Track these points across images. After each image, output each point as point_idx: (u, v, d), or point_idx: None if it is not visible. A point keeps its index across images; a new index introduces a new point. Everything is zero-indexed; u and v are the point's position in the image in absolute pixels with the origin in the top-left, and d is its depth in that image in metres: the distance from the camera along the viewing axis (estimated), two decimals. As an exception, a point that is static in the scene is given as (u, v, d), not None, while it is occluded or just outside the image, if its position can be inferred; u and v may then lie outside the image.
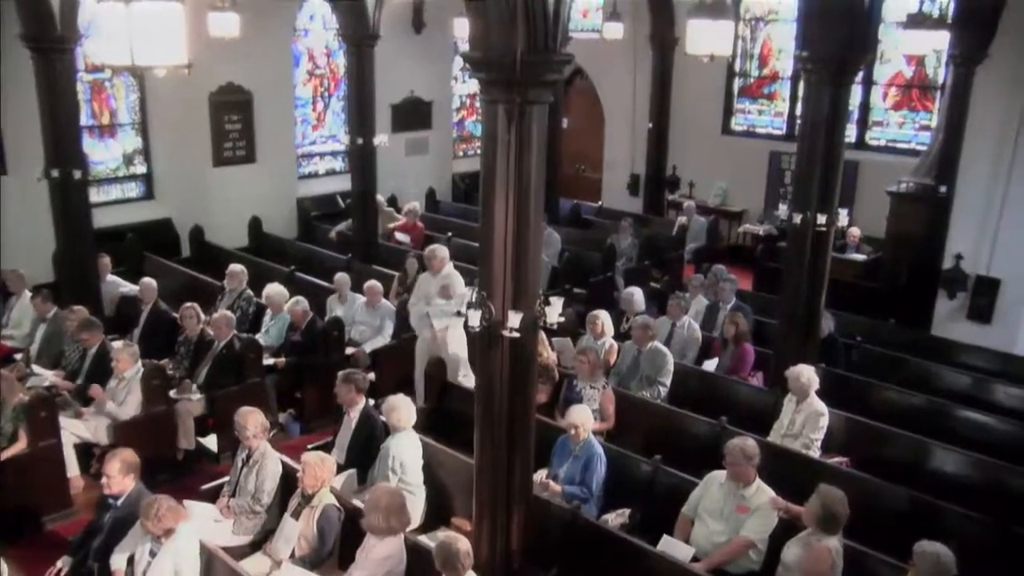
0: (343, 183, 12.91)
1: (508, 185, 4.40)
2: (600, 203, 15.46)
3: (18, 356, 8.21)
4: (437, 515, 6.11)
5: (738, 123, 15.13)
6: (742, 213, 14.83)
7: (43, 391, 6.80)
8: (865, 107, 13.50)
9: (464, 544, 4.44)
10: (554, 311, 4.75)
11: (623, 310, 9.02)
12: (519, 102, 4.27)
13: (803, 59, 6.80)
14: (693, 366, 8.28)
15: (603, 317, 8.08)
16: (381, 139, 11.11)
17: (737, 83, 15.06)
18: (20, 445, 6.34)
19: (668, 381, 7.64)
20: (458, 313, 7.41)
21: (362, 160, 11.08)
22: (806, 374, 6.54)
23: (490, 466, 4.88)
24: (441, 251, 8.19)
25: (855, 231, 11.80)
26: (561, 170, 15.15)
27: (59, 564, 5.32)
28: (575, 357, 7.33)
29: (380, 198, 12.26)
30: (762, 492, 5.32)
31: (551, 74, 4.34)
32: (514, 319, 4.48)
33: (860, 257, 11.62)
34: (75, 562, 5.31)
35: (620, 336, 8.36)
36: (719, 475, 5.47)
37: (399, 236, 12.35)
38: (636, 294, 9.06)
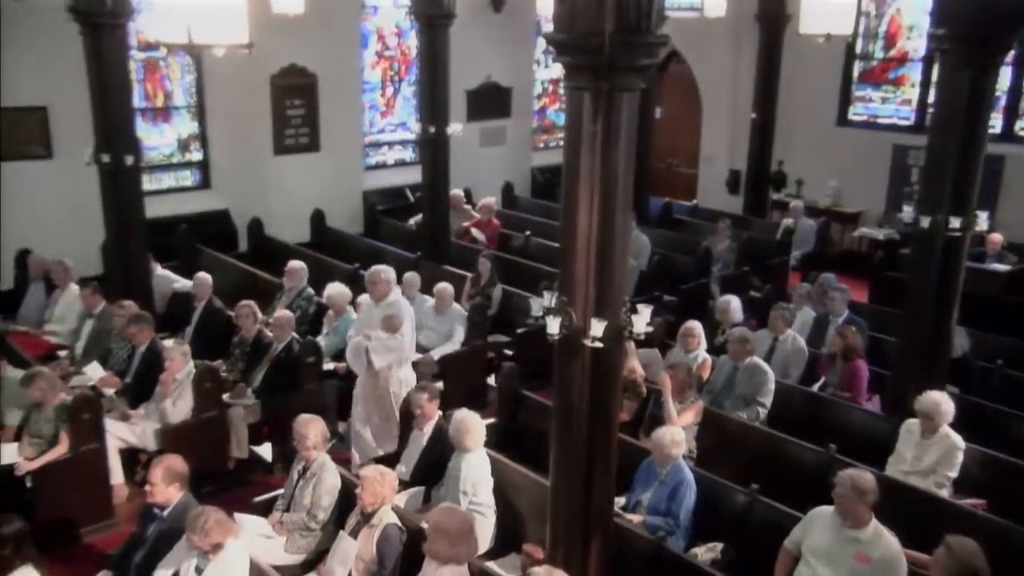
0: (413, 175, 13.11)
1: (593, 180, 4.38)
2: (695, 202, 15.29)
3: (62, 353, 8.57)
4: (507, 539, 6.12)
5: (857, 113, 14.73)
6: (858, 215, 14.42)
7: (87, 391, 7.04)
8: (1016, 92, 12.98)
9: None
10: (641, 320, 4.71)
11: (718, 321, 8.89)
12: (607, 89, 4.24)
13: (938, 37, 6.56)
14: (797, 385, 8.08)
15: (699, 329, 7.99)
16: (455, 128, 11.21)
17: (857, 67, 14.67)
18: (60, 449, 6.55)
19: (768, 401, 7.49)
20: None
21: (434, 150, 11.19)
22: (944, 403, 6.26)
23: (566, 489, 4.86)
24: (385, 274, 7.59)
25: (996, 237, 11.30)
26: (652, 165, 15.04)
27: None
28: (663, 371, 7.24)
29: (455, 192, 12.38)
30: (884, 539, 5.00)
31: (644, 58, 4.30)
32: (597, 327, 4.45)
33: (1002, 268, 11.11)
34: (119, 577, 5.48)
35: (714, 350, 8.25)
36: (825, 511, 5.29)
37: (474, 233, 12.44)
38: (733, 303, 8.92)
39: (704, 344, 8.05)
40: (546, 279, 9.08)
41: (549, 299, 4.67)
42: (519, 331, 9.22)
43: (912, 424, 6.47)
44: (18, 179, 10.41)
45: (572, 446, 4.78)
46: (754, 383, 7.52)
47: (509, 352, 9.40)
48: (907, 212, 7.22)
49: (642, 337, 4.85)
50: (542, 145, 16.89)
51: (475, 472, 6.01)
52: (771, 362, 8.12)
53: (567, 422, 4.77)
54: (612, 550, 5.06)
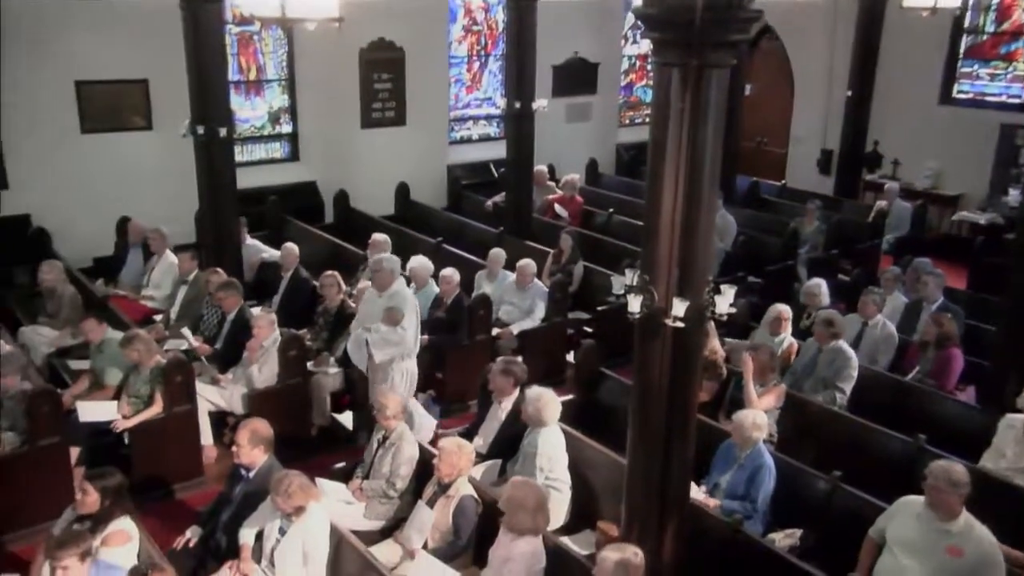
0: (497, 150, 13.13)
1: (679, 159, 4.31)
2: (783, 182, 14.93)
3: (157, 317, 8.96)
4: (581, 516, 6.15)
5: (962, 90, 14.15)
6: (958, 198, 13.88)
7: (181, 355, 7.32)
8: None
9: (642, 558, 4.40)
10: (724, 300, 4.64)
11: (804, 304, 8.70)
12: (696, 65, 4.17)
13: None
14: (885, 372, 7.86)
15: (788, 312, 7.88)
16: (540, 103, 11.19)
17: (965, 41, 14.07)
18: (155, 409, 6.85)
19: (847, 387, 7.33)
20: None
21: (519, 126, 11.20)
22: None
23: (643, 469, 4.85)
24: (388, 263, 7.30)
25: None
26: (740, 143, 14.74)
27: (188, 534, 5.71)
28: (745, 353, 7.14)
29: (539, 168, 12.37)
30: (977, 532, 4.84)
31: (735, 34, 4.20)
32: (679, 307, 4.41)
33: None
34: (204, 533, 5.70)
35: (799, 333, 8.10)
36: (914, 501, 5.14)
37: (557, 209, 12.43)
38: (821, 287, 8.72)
39: (790, 328, 7.91)
40: (628, 257, 9.07)
41: (631, 277, 4.64)
42: (599, 309, 9.19)
43: (1015, 420, 6.21)
44: (120, 149, 10.86)
45: (650, 426, 4.75)
46: (835, 367, 7.35)
47: (589, 329, 9.39)
48: (1013, 196, 6.93)
49: (724, 318, 4.79)
50: (628, 122, 16.72)
51: (551, 448, 6.05)
52: (859, 347, 7.92)
53: (646, 401, 4.75)
54: (687, 531, 5.03)
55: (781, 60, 15.91)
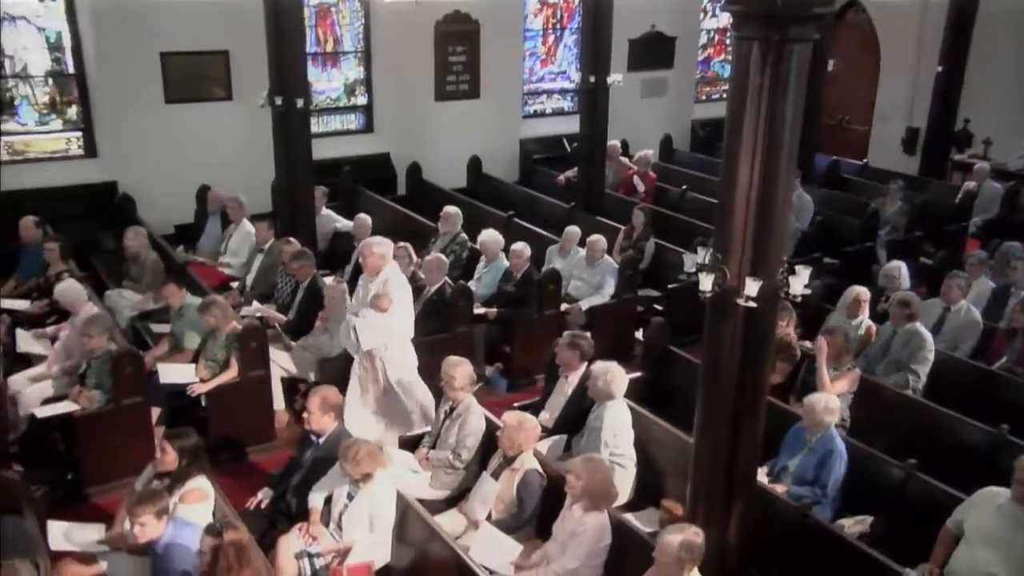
0: (571, 125, 13.07)
1: (757, 136, 4.23)
2: (865, 161, 14.52)
3: (234, 284, 9.20)
4: (646, 493, 6.15)
5: (1064, 68, 13.48)
6: (1053, 181, 13.29)
7: (256, 321, 7.52)
8: None
9: (703, 537, 4.39)
10: (799, 281, 4.55)
11: (883, 287, 8.47)
12: (777, 40, 4.06)
13: None
14: (967, 359, 7.62)
15: (866, 295, 7.72)
16: (615, 78, 11.08)
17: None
18: (231, 373, 7.06)
19: (922, 371, 7.14)
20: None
21: (593, 100, 11.12)
22: None
23: (710, 449, 4.81)
24: (379, 246, 6.82)
25: None
26: (821, 121, 14.36)
27: (260, 495, 5.90)
28: (820, 336, 7.00)
29: (612, 143, 12.27)
30: None
31: (819, 7, 4.08)
32: (752, 287, 4.34)
33: None
34: (275, 495, 5.87)
35: (875, 316, 7.92)
36: (997, 493, 4.99)
37: (635, 181, 12.33)
38: (901, 269, 8.48)
39: (868, 311, 7.74)
40: (701, 235, 8.95)
41: (703, 255, 4.58)
42: (670, 286, 9.11)
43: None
44: (201, 119, 11.13)
45: (718, 406, 4.71)
46: (909, 349, 7.17)
47: (658, 307, 9.32)
48: (1110, 180, 6.58)
49: (798, 299, 4.71)
50: (704, 97, 16.45)
51: (617, 422, 6.05)
52: (940, 333, 7.71)
53: (715, 381, 4.70)
54: (754, 514, 4.98)
55: (867, 34, 15.41)
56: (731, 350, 4.57)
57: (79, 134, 10.87)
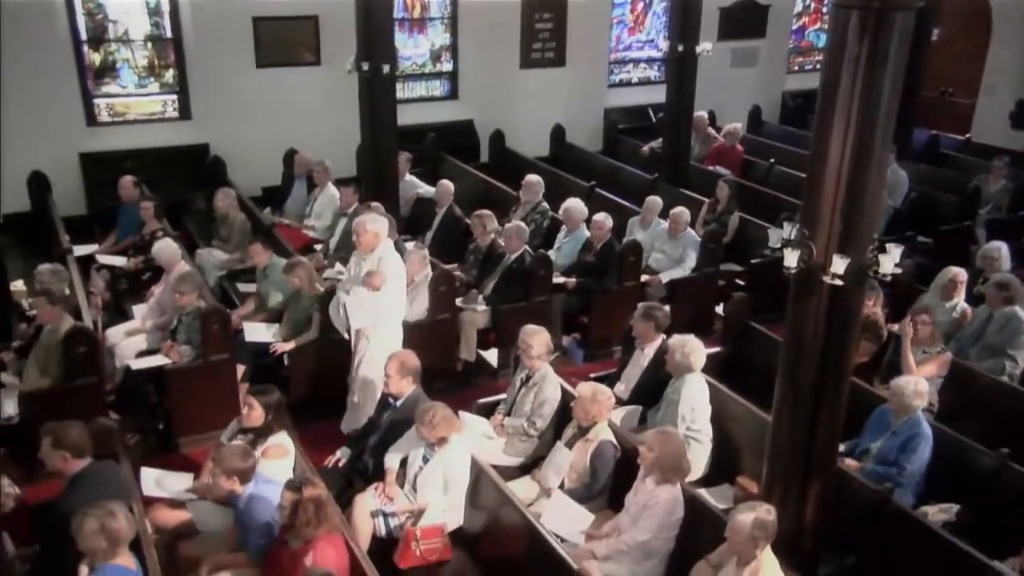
0: (657, 94, 12.85)
1: (851, 108, 4.11)
2: (968, 136, 13.94)
3: (318, 247, 9.39)
4: (721, 469, 6.10)
5: None
6: None
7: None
8: None
9: (775, 516, 4.33)
10: (889, 260, 4.44)
11: (980, 268, 8.14)
12: (878, 7, 3.93)
13: None
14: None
15: (963, 276, 7.46)
16: (704, 47, 10.85)
17: None
18: (312, 334, 7.22)
19: (1021, 357, 6.91)
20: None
21: (681, 70, 10.93)
22: None
23: (789, 428, 4.74)
24: (374, 223, 6.64)
25: None
26: (921, 93, 13.77)
27: (338, 454, 6.06)
28: (911, 317, 6.79)
29: (699, 114, 12.05)
30: None
31: (925, -29, 3.92)
32: (838, 264, 4.24)
33: None
34: (352, 455, 6.03)
35: (972, 299, 7.62)
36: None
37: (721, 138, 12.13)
38: (1001, 250, 8.13)
39: (964, 293, 7.48)
40: (788, 210, 8.75)
41: (789, 231, 4.49)
42: (753, 261, 8.97)
43: None
44: (290, 83, 11.32)
45: (799, 384, 4.63)
46: (1006, 332, 6.92)
47: (740, 282, 9.19)
48: None
49: (888, 278, 4.58)
50: (797, 68, 15.96)
51: (694, 397, 6.01)
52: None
53: (796, 359, 4.62)
54: (832, 496, 4.90)
55: (977, 1, 14.67)
56: (814, 328, 4.49)
57: (175, 97, 11.19)
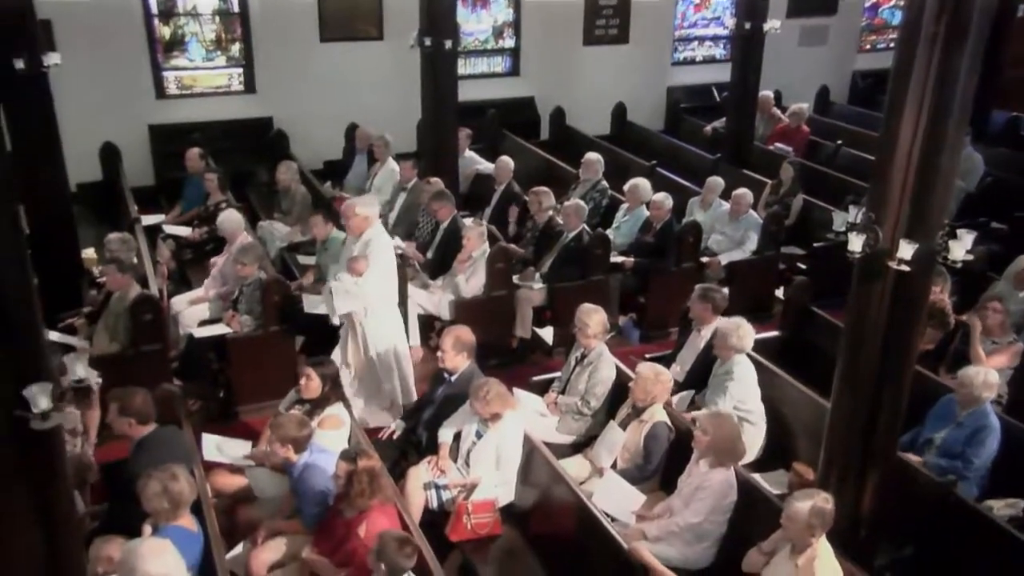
0: (722, 73, 12.64)
1: (925, 89, 3.98)
2: (1051, 119, 13.35)
3: (377, 221, 9.44)
4: (776, 454, 6.02)
5: None
6: None
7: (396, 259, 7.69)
8: None
9: (832, 504, 4.24)
10: (960, 246, 4.31)
11: (1058, 257, 7.84)
12: (958, -16, 3.78)
13: None
14: None
15: None
16: (773, 24, 10.61)
17: None
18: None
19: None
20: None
21: (747, 48, 10.72)
22: None
23: (848, 415, 4.65)
24: (362, 207, 6.49)
25: None
26: (1002, 72, 13.24)
27: (392, 426, 6.14)
28: (980, 305, 6.59)
29: (764, 94, 11.82)
30: None
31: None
32: (905, 249, 4.12)
33: None
34: (407, 428, 6.10)
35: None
36: None
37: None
38: (1082, 239, 7.82)
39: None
40: (854, 193, 8.53)
41: (855, 214, 4.37)
42: (816, 245, 8.78)
43: None
44: (353, 58, 11.41)
45: (860, 371, 4.53)
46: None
47: (802, 266, 9.01)
48: None
49: (958, 265, 4.43)
50: (869, 47, 15.49)
51: (746, 379, 5.93)
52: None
53: (858, 345, 4.52)
54: (891, 485, 4.80)
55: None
56: (878, 314, 4.39)
57: (240, 70, 11.36)
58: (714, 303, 6.48)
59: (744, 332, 5.96)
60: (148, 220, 8.98)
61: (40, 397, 2.49)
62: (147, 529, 4.41)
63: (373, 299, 6.41)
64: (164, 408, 5.39)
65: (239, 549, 5.01)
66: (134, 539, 4.08)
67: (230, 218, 7.85)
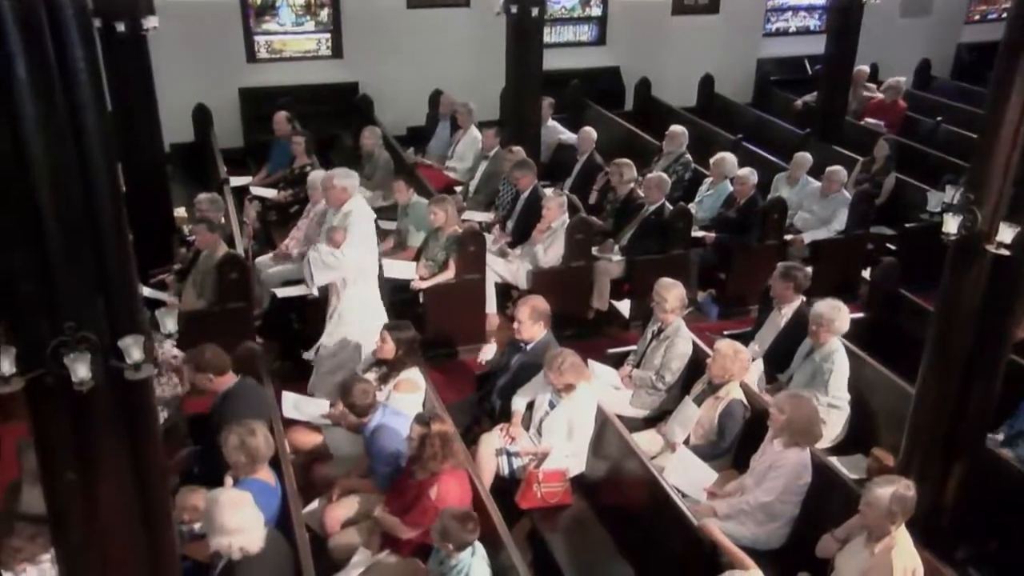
0: (815, 45, 12.24)
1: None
2: None
3: (458, 189, 9.52)
4: (855, 438, 5.89)
5: None
6: None
7: (476, 226, 7.75)
8: None
9: (914, 492, 4.10)
10: (1066, 230, 4.10)
11: None
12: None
13: None
14: None
15: None
16: (874, -7, 10.24)
17: None
18: (448, 274, 7.35)
19: None
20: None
21: (844, 19, 10.38)
22: None
23: (934, 403, 4.52)
24: (339, 179, 6.41)
25: None
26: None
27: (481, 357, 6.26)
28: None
29: (859, 68, 11.42)
30: None
31: None
32: (1006, 233, 3.97)
33: None
34: (480, 395, 6.16)
35: None
36: None
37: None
38: None
39: None
40: (951, 173, 8.19)
41: (952, 195, 4.21)
42: (907, 225, 8.49)
43: None
44: (439, 24, 11.43)
45: (950, 358, 4.40)
46: None
47: (891, 247, 8.71)
48: None
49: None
50: (978, 18, 14.78)
51: (836, 364, 5.78)
52: None
53: (948, 332, 4.38)
54: (977, 478, 4.65)
55: None
56: (972, 300, 4.24)
57: (328, 36, 11.49)
58: (796, 282, 6.34)
59: (843, 315, 5.81)
60: (236, 181, 9.21)
61: (133, 349, 2.58)
62: (228, 480, 4.57)
63: (350, 270, 6.33)
64: (246, 365, 5.56)
65: (315, 505, 5.17)
66: (216, 489, 4.24)
67: (319, 177, 7.98)
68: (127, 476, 2.81)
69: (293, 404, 5.86)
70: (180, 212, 8.64)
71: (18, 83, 2.27)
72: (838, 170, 8.62)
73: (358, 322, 6.39)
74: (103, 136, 2.48)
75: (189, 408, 5.87)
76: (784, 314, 6.38)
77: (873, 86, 12.08)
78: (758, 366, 6.26)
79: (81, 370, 2.49)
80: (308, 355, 6.72)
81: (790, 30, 13.93)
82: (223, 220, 7.48)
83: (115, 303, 2.61)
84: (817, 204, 8.67)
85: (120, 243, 2.60)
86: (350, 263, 6.27)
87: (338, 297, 6.43)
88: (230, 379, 5.23)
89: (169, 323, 2.97)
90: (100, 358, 2.56)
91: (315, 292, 6.49)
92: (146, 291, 6.87)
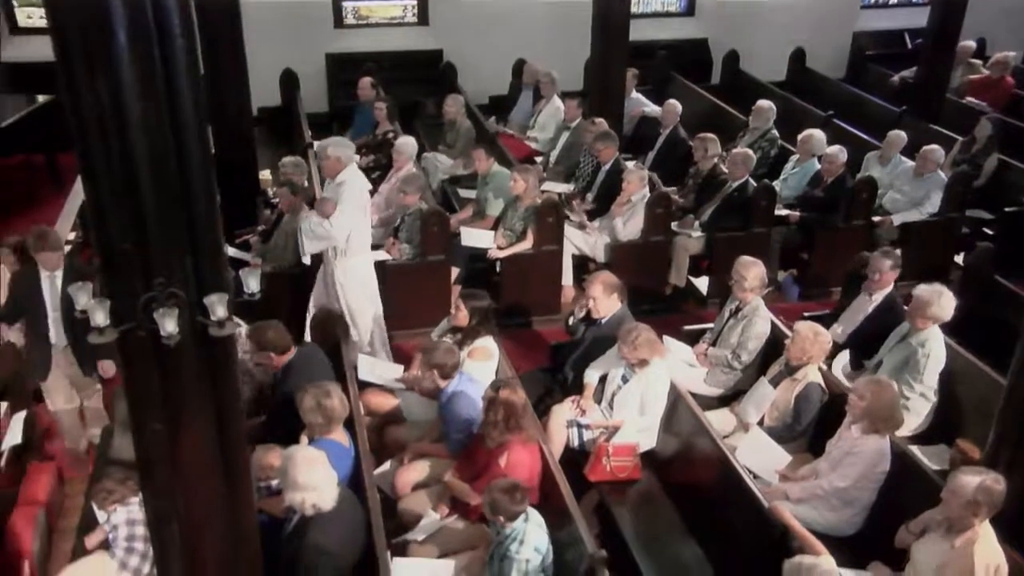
0: (917, 18, 11.81)
1: None
2: None
3: (538, 159, 9.50)
4: (939, 429, 5.72)
5: None
6: None
7: (555, 197, 7.74)
8: None
9: (1004, 485, 3.96)
10: None
11: None
12: None
13: None
14: None
15: None
16: (983, -37, 9.76)
17: None
18: (526, 244, 7.40)
19: None
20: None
21: (952, -10, 9.92)
22: None
23: (1025, 396, 4.36)
24: (335, 148, 6.33)
25: None
26: None
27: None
28: None
29: (964, 43, 10.94)
30: None
31: None
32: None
33: None
34: (553, 367, 6.19)
35: None
36: None
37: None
38: None
39: None
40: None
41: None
42: (1007, 210, 8.17)
43: None
44: (524, -6, 11.38)
45: (1045, 349, 4.23)
46: None
47: (988, 231, 8.40)
48: None
49: None
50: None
51: (931, 353, 5.60)
52: None
53: (1044, 321, 4.21)
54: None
55: None
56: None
57: (414, 2, 11.57)
58: (895, 264, 6.16)
59: (946, 301, 5.60)
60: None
61: (218, 306, 2.69)
62: (304, 440, 4.72)
63: (341, 240, 6.33)
64: (324, 329, 5.70)
65: (386, 466, 5.30)
66: (292, 446, 4.38)
67: (408, 143, 8.15)
68: (209, 428, 2.94)
69: (368, 367, 5.99)
70: (265, 175, 8.85)
71: (118, 48, 2.36)
72: (934, 149, 8.29)
73: (359, 288, 6.52)
74: (197, 101, 2.57)
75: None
76: (874, 299, 6.19)
77: (979, 62, 11.54)
78: (844, 353, 6.14)
79: (169, 324, 2.60)
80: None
81: (890, 2, 13.43)
82: (306, 184, 7.64)
83: (202, 262, 2.72)
84: (909, 184, 8.38)
85: (209, 205, 2.70)
86: (340, 233, 6.28)
87: (333, 268, 6.46)
88: (290, 354, 5.34)
89: (252, 283, 3.06)
90: (187, 314, 2.67)
91: (307, 260, 6.57)
92: (231, 251, 7.07)
